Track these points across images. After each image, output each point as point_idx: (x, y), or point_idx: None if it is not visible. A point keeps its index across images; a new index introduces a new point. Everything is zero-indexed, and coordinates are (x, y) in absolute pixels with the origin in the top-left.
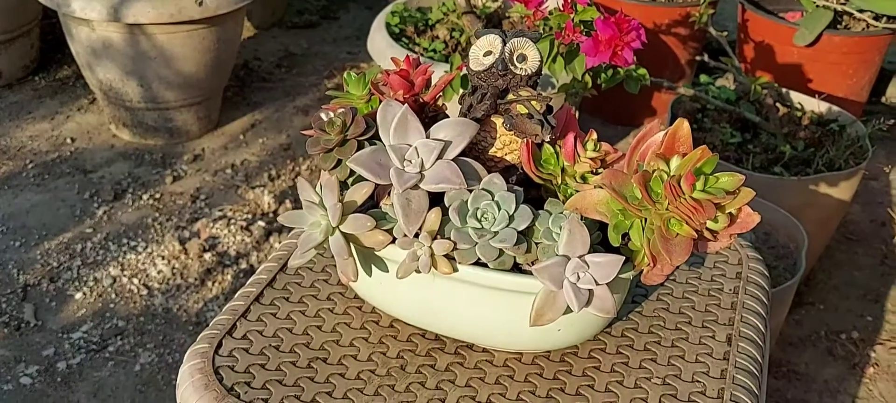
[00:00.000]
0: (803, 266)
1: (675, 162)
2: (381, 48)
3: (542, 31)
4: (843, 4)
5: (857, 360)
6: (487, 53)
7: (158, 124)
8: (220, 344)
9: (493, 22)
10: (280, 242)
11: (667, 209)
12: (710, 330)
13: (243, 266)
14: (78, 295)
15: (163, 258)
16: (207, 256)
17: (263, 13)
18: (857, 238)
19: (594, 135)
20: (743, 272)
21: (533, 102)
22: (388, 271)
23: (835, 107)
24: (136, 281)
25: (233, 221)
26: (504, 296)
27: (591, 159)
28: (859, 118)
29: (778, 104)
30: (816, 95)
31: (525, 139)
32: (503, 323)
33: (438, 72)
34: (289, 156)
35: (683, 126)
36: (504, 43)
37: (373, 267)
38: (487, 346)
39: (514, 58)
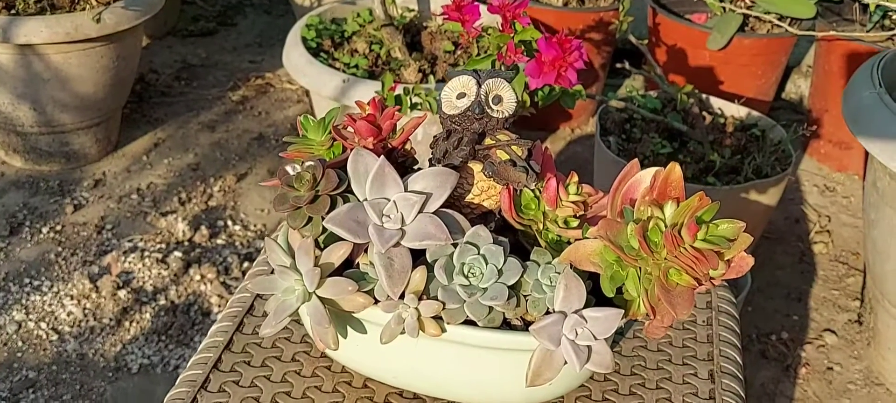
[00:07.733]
0: (749, 282)
1: (669, 208)
2: (300, 64)
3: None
4: (750, 7)
5: (790, 361)
6: (461, 95)
7: (54, 149)
8: None
9: (411, 31)
10: (200, 274)
11: (665, 259)
12: (691, 368)
13: (162, 302)
14: None
15: (72, 298)
16: (122, 294)
17: (156, 22)
18: (774, 236)
19: (575, 178)
20: (713, 301)
21: (514, 147)
22: (365, 332)
23: (754, 112)
24: (43, 325)
25: (146, 253)
26: (494, 355)
27: (573, 203)
28: (767, 114)
29: (704, 112)
30: (736, 99)
31: (506, 186)
32: (492, 382)
33: (368, 89)
34: (198, 177)
35: (675, 170)
36: (479, 84)
37: (348, 328)
38: None
39: (490, 99)
